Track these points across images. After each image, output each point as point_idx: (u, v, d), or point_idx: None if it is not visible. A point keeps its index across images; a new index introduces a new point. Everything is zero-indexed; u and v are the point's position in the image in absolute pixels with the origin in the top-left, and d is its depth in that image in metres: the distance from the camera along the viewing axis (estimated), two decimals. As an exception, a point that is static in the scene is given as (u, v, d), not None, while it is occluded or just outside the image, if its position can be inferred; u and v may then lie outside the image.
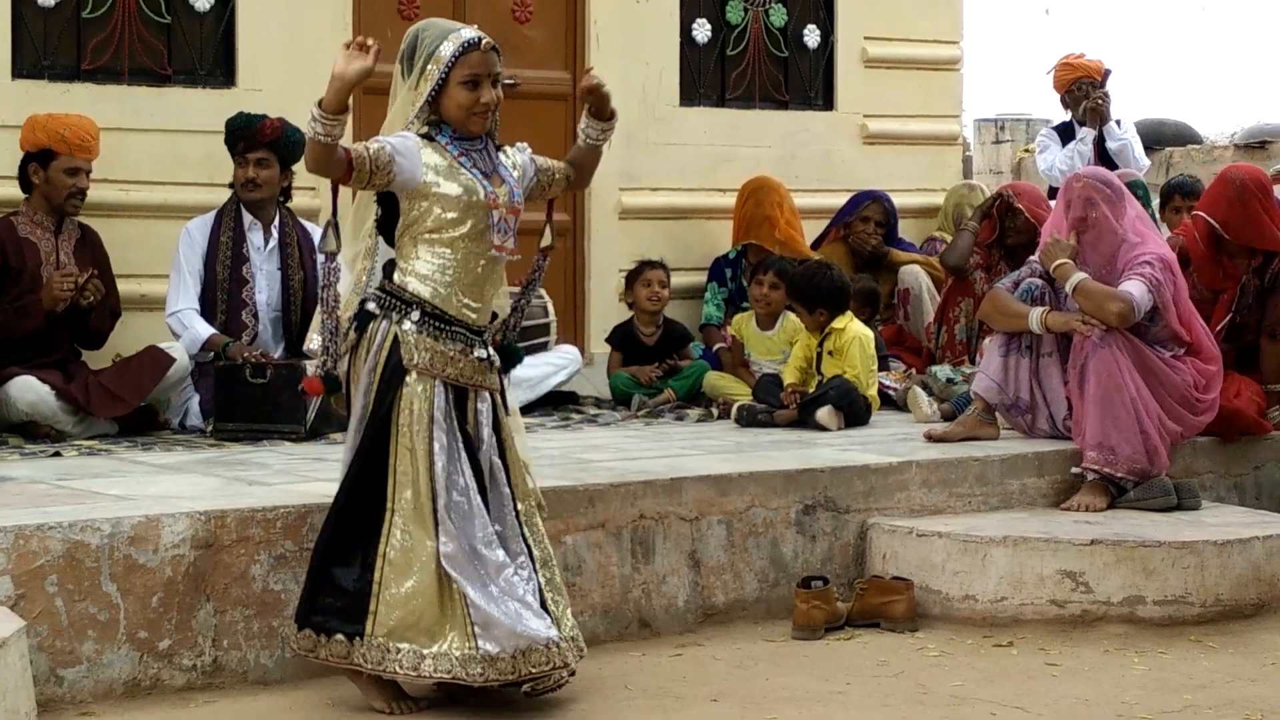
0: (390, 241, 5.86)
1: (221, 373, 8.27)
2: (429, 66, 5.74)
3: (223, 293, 8.74)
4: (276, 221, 8.88)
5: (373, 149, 5.65)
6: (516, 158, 6.00)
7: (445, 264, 5.77)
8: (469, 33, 5.80)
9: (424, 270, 5.76)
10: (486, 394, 5.88)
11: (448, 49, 5.73)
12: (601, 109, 6.03)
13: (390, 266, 5.85)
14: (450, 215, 5.75)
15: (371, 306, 5.78)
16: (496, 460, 5.86)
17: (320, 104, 5.52)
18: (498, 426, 5.91)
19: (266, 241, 8.85)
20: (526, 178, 6.01)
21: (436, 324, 5.76)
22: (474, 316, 5.82)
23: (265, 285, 8.83)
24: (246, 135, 8.74)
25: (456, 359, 5.78)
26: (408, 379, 5.71)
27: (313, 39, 9.50)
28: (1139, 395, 7.83)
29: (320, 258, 6.02)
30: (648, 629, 6.85)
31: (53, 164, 8.41)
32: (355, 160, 5.61)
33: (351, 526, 5.73)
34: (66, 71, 9.04)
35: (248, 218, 8.82)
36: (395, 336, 5.73)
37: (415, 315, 5.73)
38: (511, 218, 5.85)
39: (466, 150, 5.82)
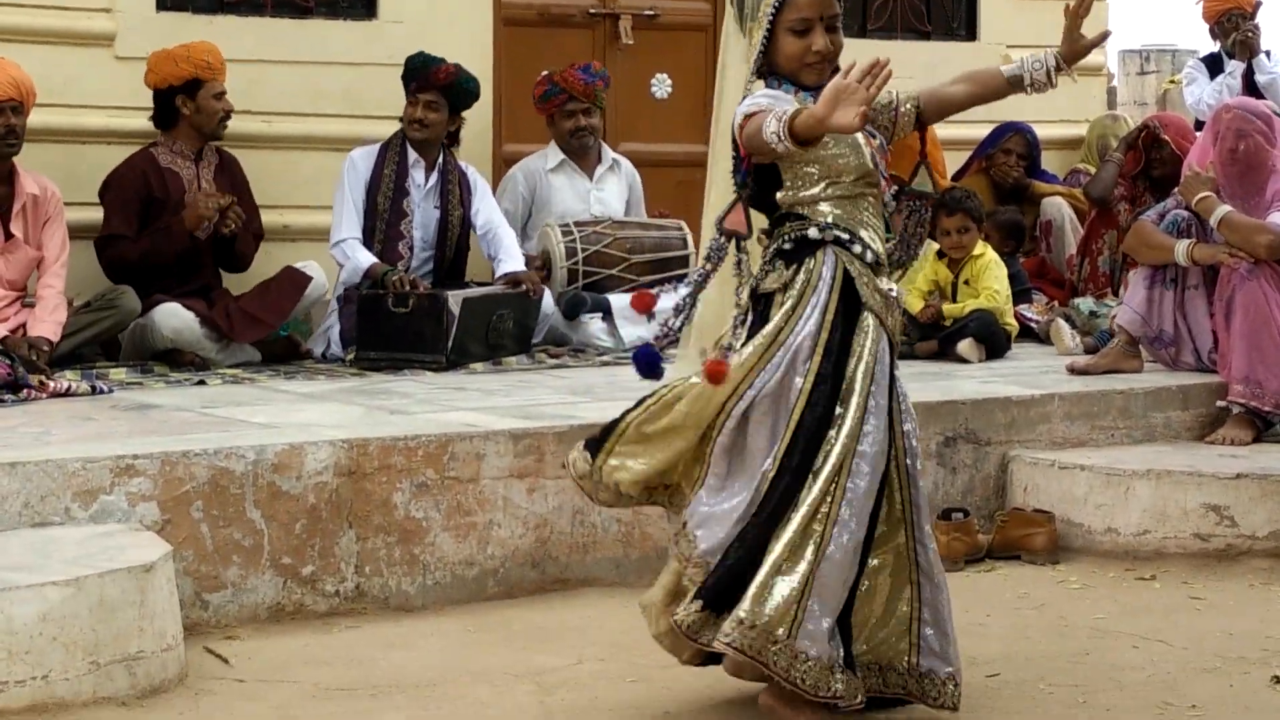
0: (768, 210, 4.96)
1: (364, 302, 8.30)
2: (760, 11, 4.95)
3: (381, 223, 8.74)
4: (440, 162, 8.90)
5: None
6: None
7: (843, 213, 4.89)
8: None
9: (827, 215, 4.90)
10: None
11: None
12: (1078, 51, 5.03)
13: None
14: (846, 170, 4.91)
15: (814, 233, 4.85)
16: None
17: (790, 126, 4.57)
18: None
19: (428, 179, 8.86)
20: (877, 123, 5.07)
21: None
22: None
23: (422, 222, 8.84)
24: (421, 76, 8.74)
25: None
26: (864, 322, 4.86)
27: (454, -29, 9.54)
28: (1287, 328, 7.72)
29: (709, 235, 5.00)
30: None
31: (200, 92, 8.46)
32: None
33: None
34: (210, 4, 9.10)
35: (412, 154, 8.82)
36: (845, 271, 4.85)
37: (858, 247, 4.87)
38: (883, 164, 5.04)
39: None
